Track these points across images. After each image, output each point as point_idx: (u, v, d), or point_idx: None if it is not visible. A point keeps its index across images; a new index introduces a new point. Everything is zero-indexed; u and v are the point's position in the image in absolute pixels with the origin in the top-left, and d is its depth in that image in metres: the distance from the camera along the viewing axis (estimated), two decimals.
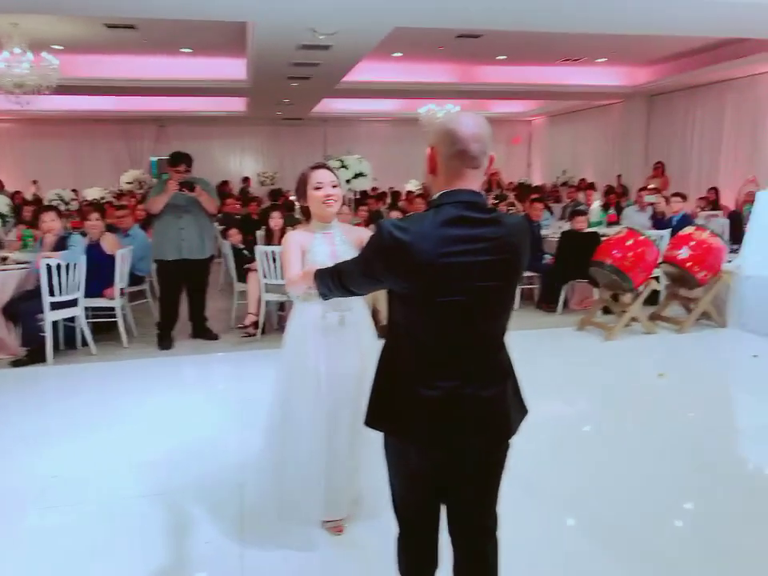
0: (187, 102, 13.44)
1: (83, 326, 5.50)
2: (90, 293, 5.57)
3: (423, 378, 1.65)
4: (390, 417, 1.72)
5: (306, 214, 2.66)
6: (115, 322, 5.78)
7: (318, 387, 2.57)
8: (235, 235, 6.71)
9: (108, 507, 3.02)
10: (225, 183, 14.01)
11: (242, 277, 6.33)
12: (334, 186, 2.56)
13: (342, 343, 2.58)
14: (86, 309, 5.73)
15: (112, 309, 5.77)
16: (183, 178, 5.40)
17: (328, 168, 2.62)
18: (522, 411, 1.80)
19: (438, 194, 1.66)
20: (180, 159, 5.52)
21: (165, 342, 5.70)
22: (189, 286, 5.78)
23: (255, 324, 5.97)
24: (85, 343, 5.59)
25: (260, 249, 5.88)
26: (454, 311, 1.61)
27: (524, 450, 2.42)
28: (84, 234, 5.97)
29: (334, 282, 1.88)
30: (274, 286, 5.92)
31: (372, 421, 1.77)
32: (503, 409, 1.71)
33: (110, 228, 6.79)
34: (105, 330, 6.12)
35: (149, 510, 2.98)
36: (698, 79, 11.05)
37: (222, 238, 7.34)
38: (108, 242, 5.79)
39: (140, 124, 15.63)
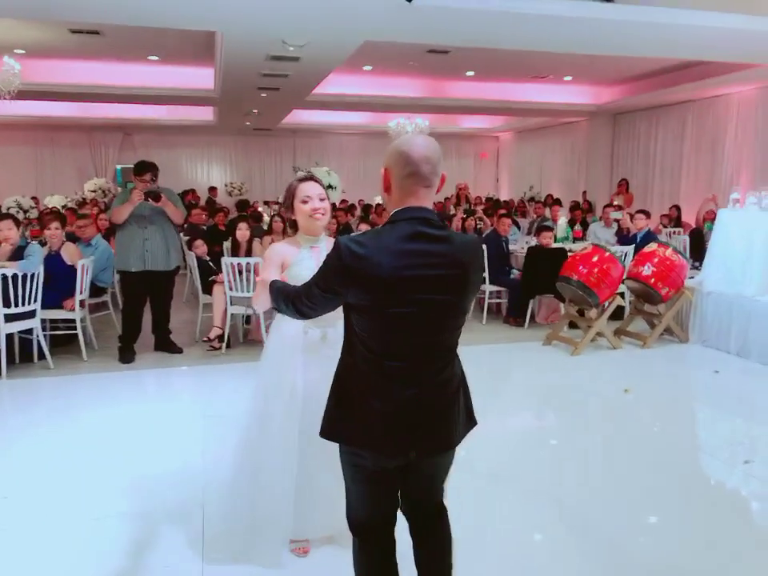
0: (154, 110, 13.24)
1: (40, 338, 5.32)
2: (49, 304, 5.41)
3: (378, 389, 1.73)
4: (346, 427, 1.79)
5: (294, 226, 2.61)
6: (75, 334, 5.62)
7: (294, 403, 2.51)
8: (201, 246, 6.60)
9: (61, 530, 2.89)
10: (191, 192, 13.79)
11: (208, 289, 6.22)
12: (322, 200, 2.52)
13: (323, 360, 2.43)
14: (45, 321, 5.56)
15: (72, 321, 5.60)
16: (148, 187, 5.29)
17: (316, 180, 2.57)
18: (471, 423, 1.91)
19: (393, 211, 1.75)
20: (146, 168, 5.39)
21: (126, 355, 5.55)
22: (153, 298, 5.65)
23: (220, 337, 5.86)
24: (42, 357, 5.41)
25: (226, 260, 5.79)
26: (406, 322, 1.69)
27: (490, 463, 2.40)
28: (43, 244, 5.80)
29: (286, 302, 1.95)
30: (240, 299, 5.83)
31: (329, 431, 1.84)
32: (452, 420, 1.81)
33: (72, 237, 6.62)
34: (64, 342, 5.95)
35: (105, 531, 2.87)
36: (660, 99, 11.34)
37: (187, 248, 7.21)
38: (68, 252, 5.63)
39: (105, 131, 15.34)
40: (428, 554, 1.98)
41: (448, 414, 1.79)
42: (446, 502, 2.04)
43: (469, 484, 2.34)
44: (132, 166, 5.69)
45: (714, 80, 9.60)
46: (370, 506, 1.90)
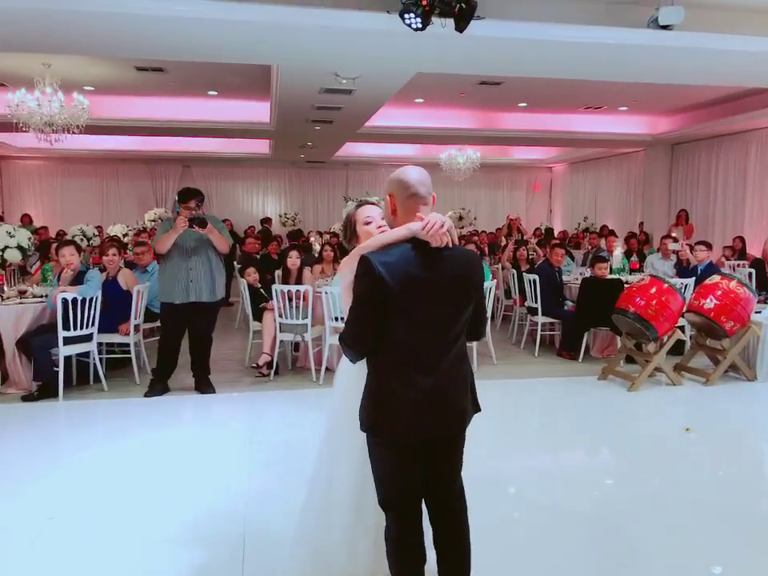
0: (212, 143, 13.70)
1: (96, 361, 5.46)
2: (106, 328, 5.56)
3: (406, 381, 2.03)
4: (383, 419, 2.06)
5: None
6: (129, 358, 5.74)
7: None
8: (252, 274, 6.70)
9: (104, 553, 2.89)
10: (250, 228, 14.19)
11: (258, 316, 6.28)
12: (383, 218, 2.47)
13: None
14: (100, 344, 5.72)
15: (127, 345, 5.74)
16: (193, 214, 5.11)
17: (372, 203, 2.55)
18: (476, 409, 2.24)
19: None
20: (190, 195, 5.21)
21: (155, 388, 5.33)
22: (192, 331, 5.39)
23: (269, 364, 5.89)
24: (97, 379, 5.54)
25: (276, 288, 5.84)
26: (429, 320, 2.03)
27: (544, 499, 2.28)
28: (102, 270, 6.00)
29: (342, 346, 2.13)
30: (290, 326, 5.86)
31: (368, 426, 2.09)
32: (464, 405, 2.15)
33: (129, 264, 6.84)
34: (118, 366, 6.09)
35: (147, 557, 2.85)
36: (721, 128, 11.01)
37: (240, 276, 7.33)
38: (125, 278, 5.79)
39: (165, 164, 15.97)
40: (448, 535, 2.22)
41: (460, 401, 2.13)
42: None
43: (524, 517, 2.24)
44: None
45: None
46: (401, 483, 2.14)
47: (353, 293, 2.07)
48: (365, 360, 2.16)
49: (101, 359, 5.64)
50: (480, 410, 2.25)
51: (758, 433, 4.83)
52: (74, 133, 8.35)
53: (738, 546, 2.99)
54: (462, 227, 13.12)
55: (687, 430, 4.53)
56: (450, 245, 2.07)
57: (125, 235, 10.68)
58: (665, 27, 5.51)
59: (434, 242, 2.02)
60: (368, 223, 2.44)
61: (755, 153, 10.90)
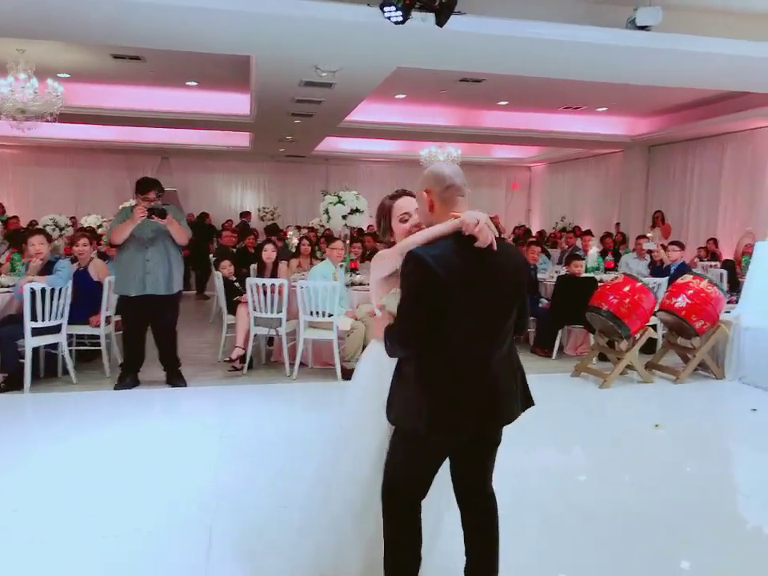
0: (191, 135, 13.53)
1: (65, 353, 5.36)
2: (76, 319, 5.46)
3: (461, 379, 2.01)
4: (437, 418, 2.00)
5: (383, 246, 2.38)
6: (100, 350, 5.65)
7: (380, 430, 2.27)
8: (227, 267, 6.63)
9: (67, 545, 2.83)
10: (228, 221, 14.05)
11: (232, 309, 6.22)
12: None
13: None
14: (71, 336, 5.62)
15: (97, 337, 5.65)
16: (153, 204, 4.95)
17: (409, 194, 2.36)
18: (528, 402, 2.19)
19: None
20: (149, 185, 5.03)
21: (124, 381, 5.22)
22: (154, 325, 5.26)
23: (242, 358, 5.83)
24: (66, 371, 5.44)
25: (250, 281, 5.78)
26: (481, 320, 2.02)
27: (515, 496, 2.30)
28: (74, 260, 5.89)
29: (388, 342, 2.06)
30: (264, 320, 5.81)
31: (417, 426, 2.02)
32: (512, 397, 2.12)
33: (103, 255, 6.73)
34: (89, 358, 5.99)
35: (110, 549, 2.80)
36: (697, 131, 11.16)
37: (215, 269, 7.26)
38: (96, 268, 5.70)
39: (143, 155, 15.73)
40: (480, 540, 2.23)
41: (509, 393, 2.11)
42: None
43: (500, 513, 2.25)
44: (167, 188, 5.51)
45: (754, 111, 9.41)
46: (422, 478, 2.14)
47: (402, 291, 2.01)
48: (387, 364, 2.13)
49: (70, 351, 5.54)
50: (533, 404, 2.21)
51: (724, 430, 4.91)
52: (47, 121, 8.19)
53: (706, 541, 3.03)
54: None
55: (656, 426, 4.59)
56: (494, 241, 2.04)
57: (99, 226, 10.51)
58: (642, 28, 5.56)
59: (481, 241, 1.98)
60: (404, 221, 2.29)
61: (729, 156, 11.07)
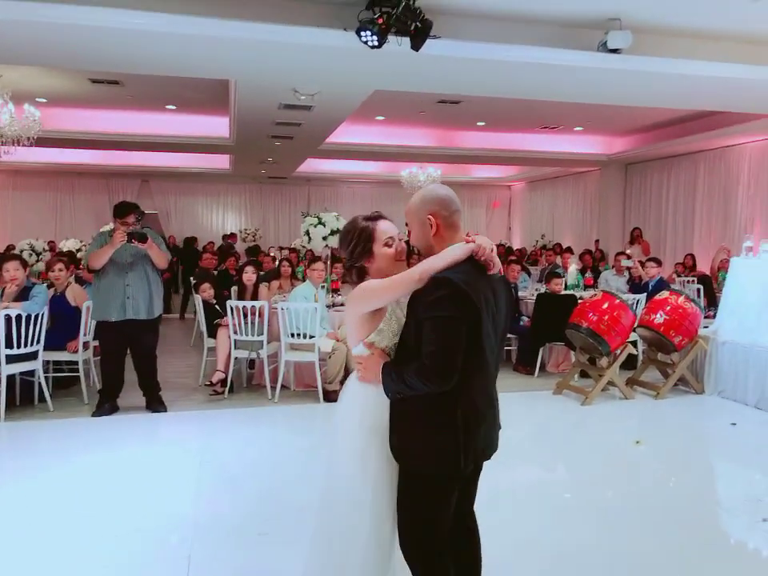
0: (171, 158, 13.52)
1: (41, 380, 5.27)
2: (53, 345, 5.38)
3: (476, 413, 1.97)
4: (462, 452, 1.92)
5: (361, 274, 2.15)
6: (78, 376, 5.56)
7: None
8: (207, 290, 6.58)
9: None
10: (209, 243, 14.00)
11: (213, 332, 6.17)
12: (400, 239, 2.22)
13: None
14: (47, 362, 5.53)
15: (75, 363, 5.57)
16: (132, 228, 4.94)
17: (385, 217, 2.22)
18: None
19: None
20: (128, 209, 5.02)
21: (102, 408, 5.14)
22: (134, 349, 5.21)
23: (223, 381, 5.78)
24: (43, 399, 5.34)
25: (231, 303, 5.76)
26: (490, 350, 1.98)
27: (498, 515, 2.30)
28: (51, 285, 5.82)
29: (416, 379, 1.89)
30: (245, 342, 5.77)
31: (441, 466, 1.93)
32: (498, 424, 2.14)
33: (80, 280, 6.66)
34: (67, 385, 5.90)
35: None
36: (672, 149, 11.38)
37: (194, 291, 7.21)
38: (73, 293, 5.63)
39: (123, 178, 15.67)
40: (472, 556, 2.21)
41: (498, 420, 2.13)
42: None
43: (483, 531, 2.24)
44: (148, 211, 5.49)
45: (726, 130, 9.63)
46: (447, 520, 2.04)
47: (430, 321, 1.85)
48: (380, 406, 2.00)
49: (47, 378, 5.45)
50: (500, 428, 2.19)
51: (704, 444, 4.95)
52: (24, 145, 8.14)
53: (691, 556, 3.03)
54: None
55: (637, 443, 4.61)
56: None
57: (78, 250, 10.42)
58: (614, 51, 5.69)
59: (491, 268, 1.97)
60: (389, 245, 2.13)
61: (703, 173, 11.29)
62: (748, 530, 3.42)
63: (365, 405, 2.09)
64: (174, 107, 9.83)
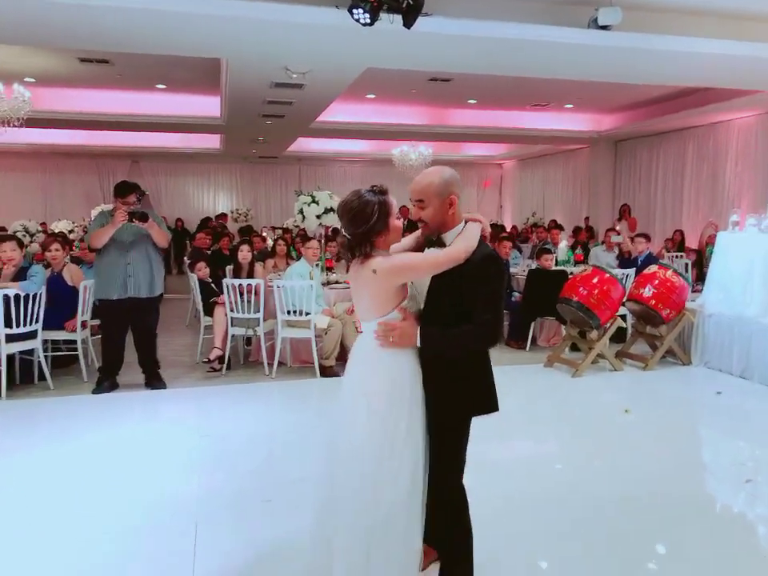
0: (162, 138, 13.44)
1: (41, 359, 5.34)
2: (52, 325, 5.44)
3: (487, 361, 2.28)
4: (487, 397, 2.26)
5: (371, 247, 2.19)
6: (76, 355, 5.63)
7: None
8: (203, 269, 6.64)
9: (50, 549, 2.87)
10: (209, 219, 14.03)
11: (209, 311, 6.24)
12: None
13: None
14: (46, 342, 5.59)
15: (73, 342, 5.63)
16: (132, 208, 5.00)
17: None
18: None
19: (463, 224, 2.27)
20: (129, 189, 5.07)
21: (102, 386, 5.24)
22: (135, 327, 5.28)
23: (220, 358, 5.87)
24: (42, 377, 5.41)
25: (227, 281, 5.82)
26: None
27: (492, 488, 2.39)
28: (47, 266, 5.86)
29: (476, 340, 2.20)
30: (241, 320, 5.85)
31: (477, 407, 2.24)
32: None
33: (76, 260, 6.70)
34: (66, 363, 5.96)
35: (95, 551, 2.84)
36: (661, 126, 11.45)
37: (190, 271, 7.26)
38: (70, 273, 5.68)
39: (113, 159, 15.57)
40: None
41: None
42: None
43: (474, 501, 2.33)
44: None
45: (714, 106, 9.70)
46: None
47: (491, 294, 2.15)
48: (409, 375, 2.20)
49: (46, 357, 5.52)
50: None
51: (691, 413, 5.10)
52: (14, 126, 8.09)
53: (680, 523, 3.15)
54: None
55: (626, 411, 4.75)
56: None
57: (71, 231, 10.41)
58: (604, 27, 5.72)
59: (486, 241, 2.27)
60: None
61: (692, 150, 11.39)
62: (732, 491, 3.57)
63: (400, 376, 2.18)
64: (164, 86, 9.77)
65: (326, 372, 5.72)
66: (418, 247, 2.34)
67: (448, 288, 2.17)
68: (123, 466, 3.81)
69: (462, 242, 2.18)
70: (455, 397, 2.21)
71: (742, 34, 6.10)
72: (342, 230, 2.26)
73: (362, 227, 2.15)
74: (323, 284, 6.33)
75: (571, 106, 11.39)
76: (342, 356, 5.84)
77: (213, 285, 6.56)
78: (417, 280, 2.28)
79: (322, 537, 2.26)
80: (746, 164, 10.19)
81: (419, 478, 2.19)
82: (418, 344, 2.17)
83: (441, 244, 2.25)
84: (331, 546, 2.19)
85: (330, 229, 8.01)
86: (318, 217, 6.58)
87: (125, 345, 5.35)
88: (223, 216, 15.05)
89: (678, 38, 6.05)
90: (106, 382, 5.29)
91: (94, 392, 5.24)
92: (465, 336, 2.15)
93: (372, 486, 2.13)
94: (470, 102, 11.05)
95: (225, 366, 5.89)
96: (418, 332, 2.16)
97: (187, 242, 12.82)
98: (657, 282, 5.91)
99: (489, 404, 2.27)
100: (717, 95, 9.29)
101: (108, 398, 5.17)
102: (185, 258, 9.19)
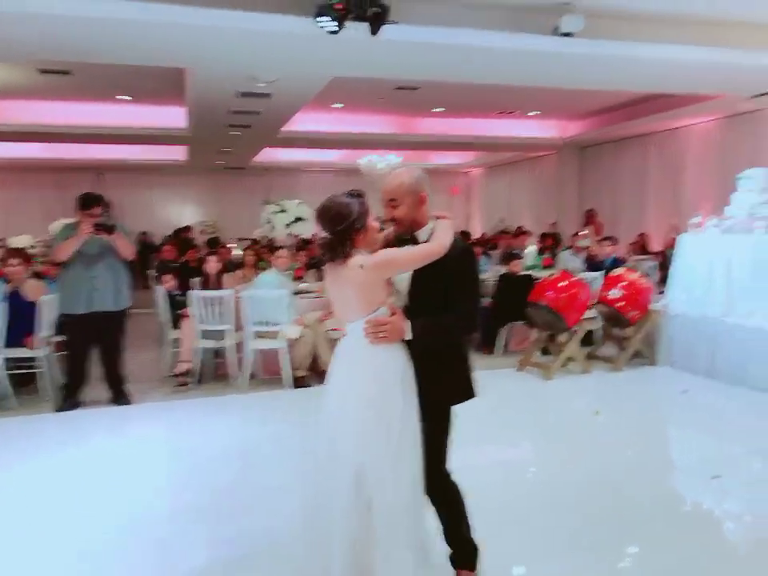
0: (126, 150, 13.23)
1: (2, 377, 5.16)
2: (11, 342, 5.26)
3: (466, 350, 2.44)
4: (469, 384, 2.39)
5: (351, 246, 2.23)
6: (38, 373, 5.46)
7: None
8: (170, 281, 6.52)
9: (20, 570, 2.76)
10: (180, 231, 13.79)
11: (176, 323, 6.13)
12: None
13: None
14: (7, 360, 5.41)
15: (34, 359, 5.45)
16: (98, 220, 4.85)
17: None
18: None
19: (432, 218, 2.40)
20: (93, 201, 4.94)
21: (67, 403, 5.08)
22: (101, 342, 5.14)
23: (189, 372, 5.76)
24: (4, 396, 5.23)
25: (195, 294, 5.73)
26: None
27: (468, 491, 2.39)
28: (6, 281, 5.68)
29: (457, 329, 2.35)
30: (210, 332, 5.76)
31: (468, 393, 2.38)
32: None
33: (38, 275, 6.52)
34: (27, 382, 5.77)
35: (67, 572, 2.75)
36: (624, 132, 11.69)
37: (156, 284, 7.13)
38: (30, 289, 5.51)
39: (76, 172, 15.22)
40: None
41: None
42: None
43: None
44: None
45: (674, 112, 9.94)
46: None
47: (470, 283, 2.31)
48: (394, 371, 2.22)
49: (8, 375, 5.34)
50: None
51: (659, 411, 5.19)
52: None
53: (649, 523, 3.16)
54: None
55: (596, 413, 4.80)
56: None
57: (32, 247, 10.13)
58: (566, 35, 5.83)
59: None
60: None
61: (653, 155, 11.65)
62: (699, 487, 3.62)
63: (394, 370, 2.22)
64: (128, 97, 9.63)
65: (298, 382, 5.66)
66: (387, 246, 2.38)
67: (430, 281, 2.25)
68: (91, 484, 3.70)
69: (440, 237, 2.27)
70: (442, 385, 2.30)
71: (700, 40, 6.27)
72: (322, 231, 2.29)
73: (344, 224, 2.19)
74: (293, 293, 6.27)
75: (537, 112, 11.56)
76: (314, 366, 5.79)
77: (180, 297, 6.44)
78: (395, 277, 2.32)
79: (313, 542, 2.25)
80: (706, 168, 10.45)
81: (418, 470, 2.23)
82: (408, 337, 2.21)
83: (414, 242, 2.33)
84: (330, 549, 2.17)
85: (300, 238, 7.96)
86: (288, 225, 6.53)
87: (90, 361, 5.21)
88: (187, 229, 14.84)
89: (639, 45, 6.19)
90: (70, 399, 5.14)
91: (58, 410, 5.09)
92: (450, 325, 2.28)
93: (374, 480, 2.16)
94: (436, 110, 11.14)
95: (195, 379, 5.78)
96: (409, 326, 2.20)
97: (152, 254, 12.58)
98: (624, 284, 6.01)
99: (470, 391, 2.39)
100: (677, 101, 9.52)
101: (72, 416, 5.02)
102: (150, 272, 9.02)
